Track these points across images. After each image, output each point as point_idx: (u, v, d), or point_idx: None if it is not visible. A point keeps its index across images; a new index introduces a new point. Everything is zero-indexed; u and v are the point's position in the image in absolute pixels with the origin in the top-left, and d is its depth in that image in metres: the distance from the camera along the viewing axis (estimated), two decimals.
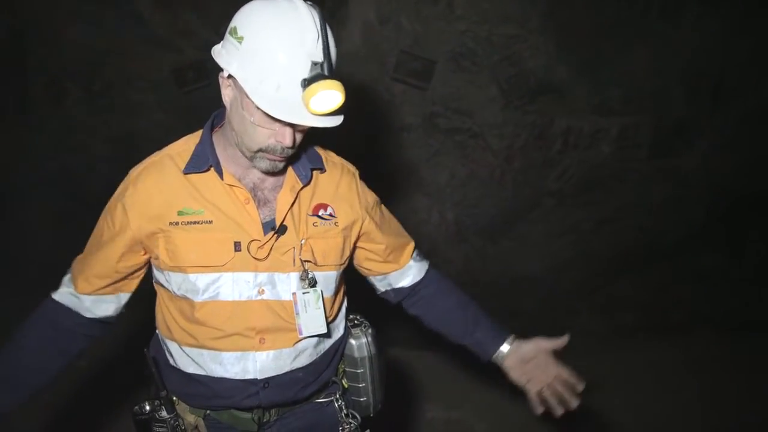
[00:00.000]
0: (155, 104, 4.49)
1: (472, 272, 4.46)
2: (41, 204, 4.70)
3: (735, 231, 4.53)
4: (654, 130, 4.33)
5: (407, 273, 1.59)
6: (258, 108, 1.20)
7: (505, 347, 1.52)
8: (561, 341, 1.49)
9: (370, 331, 1.51)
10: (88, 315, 1.38)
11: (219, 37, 1.35)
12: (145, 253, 1.38)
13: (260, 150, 1.28)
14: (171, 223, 1.31)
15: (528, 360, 1.48)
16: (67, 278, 1.40)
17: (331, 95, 1.16)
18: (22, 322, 1.37)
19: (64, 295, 1.38)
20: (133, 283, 1.44)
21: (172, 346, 1.39)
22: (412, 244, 1.61)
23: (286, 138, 1.25)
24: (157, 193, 1.33)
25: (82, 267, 1.39)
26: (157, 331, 1.46)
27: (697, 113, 4.23)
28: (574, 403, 1.43)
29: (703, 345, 4.11)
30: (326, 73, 1.15)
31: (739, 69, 4.08)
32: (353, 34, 4.06)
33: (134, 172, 1.39)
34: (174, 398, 1.38)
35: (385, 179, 4.23)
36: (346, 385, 1.51)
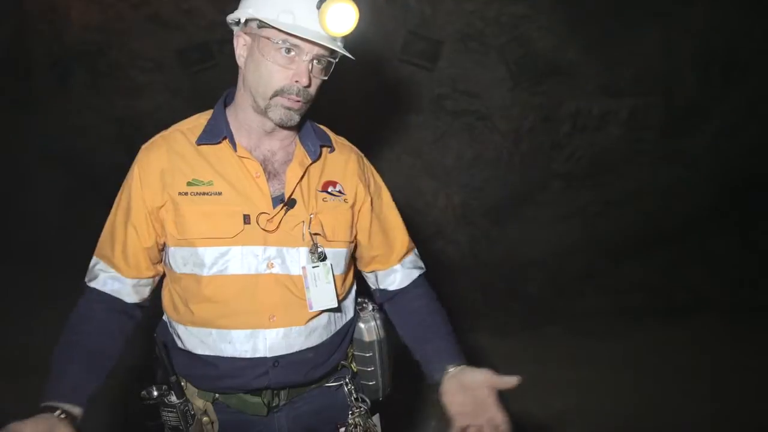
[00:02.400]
0: (160, 85, 4.45)
1: (478, 254, 4.46)
2: (47, 184, 4.70)
3: (743, 214, 4.51)
4: (664, 112, 4.28)
5: (391, 275, 1.54)
6: (276, 47, 1.25)
7: (450, 369, 1.34)
8: (509, 381, 1.24)
9: (378, 315, 1.50)
10: (128, 300, 1.36)
11: (224, 18, 1.36)
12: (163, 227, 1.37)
13: (276, 94, 1.28)
14: (180, 193, 1.30)
15: (466, 389, 1.28)
16: (100, 266, 1.36)
17: (344, 10, 1.22)
18: (69, 319, 1.34)
19: (105, 282, 1.35)
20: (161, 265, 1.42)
21: (179, 328, 1.37)
22: (405, 248, 1.54)
23: (303, 76, 1.27)
24: (167, 163, 1.32)
25: (118, 251, 1.35)
26: (164, 315, 1.45)
27: (707, 95, 4.18)
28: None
29: (709, 327, 4.10)
30: None
31: (750, 50, 4.02)
32: (361, 15, 4.01)
33: (144, 145, 1.38)
34: (183, 382, 1.38)
35: (391, 161, 4.21)
36: (355, 370, 1.50)
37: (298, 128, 1.40)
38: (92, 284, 1.36)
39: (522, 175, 4.38)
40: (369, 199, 1.47)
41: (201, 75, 4.35)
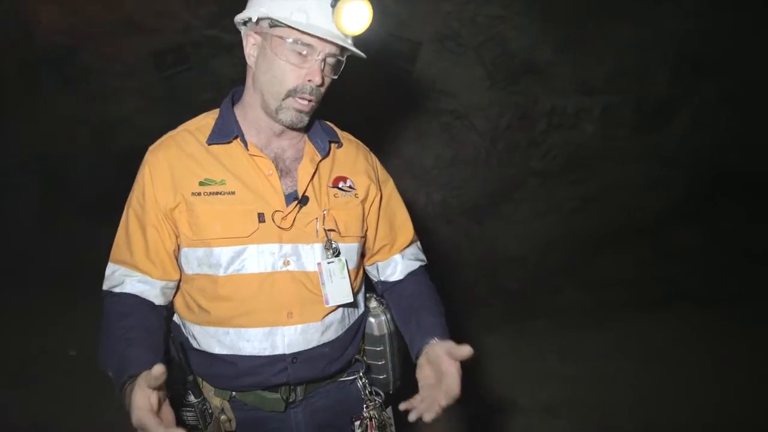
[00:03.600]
0: (134, 90, 4.37)
1: (459, 252, 4.50)
2: (23, 189, 4.56)
3: (715, 207, 4.65)
4: (636, 109, 4.39)
5: (390, 266, 1.55)
6: (289, 46, 1.25)
7: (426, 346, 1.34)
8: (464, 350, 1.22)
9: (388, 308, 1.51)
10: (156, 302, 1.33)
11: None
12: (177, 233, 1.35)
13: (289, 94, 1.29)
14: (193, 194, 1.29)
15: (432, 362, 1.29)
16: (122, 271, 1.33)
17: (358, 8, 1.22)
18: (102, 326, 1.30)
19: (133, 285, 1.32)
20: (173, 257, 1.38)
21: (194, 329, 1.36)
22: (408, 240, 1.56)
23: (316, 74, 1.27)
24: (177, 163, 1.31)
25: (140, 254, 1.33)
26: (176, 317, 1.44)
27: (678, 92, 4.31)
28: (428, 416, 1.21)
29: (684, 317, 4.22)
30: None
31: (719, 48, 4.16)
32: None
33: (152, 146, 1.37)
34: (200, 381, 1.36)
35: None
36: (367, 363, 1.51)
37: (306, 125, 1.40)
38: (117, 289, 1.32)
39: (500, 173, 4.45)
40: (378, 193, 1.49)
41: (175, 79, 4.29)
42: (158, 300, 1.34)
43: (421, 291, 1.52)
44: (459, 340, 1.30)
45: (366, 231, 1.48)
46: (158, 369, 1.02)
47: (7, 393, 3.27)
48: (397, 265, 1.54)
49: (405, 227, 1.56)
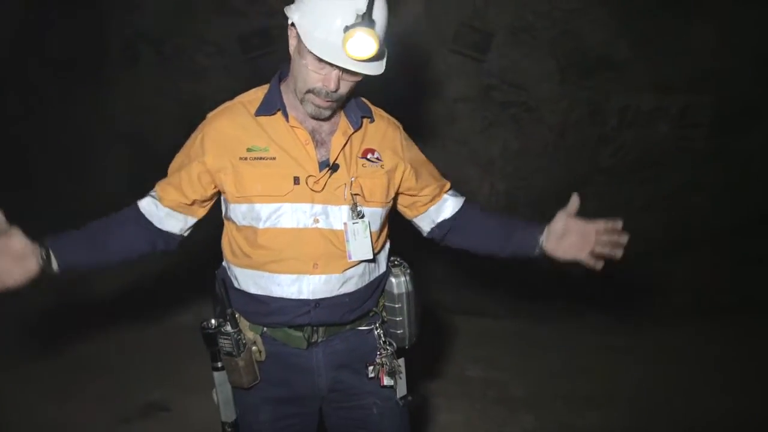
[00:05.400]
0: (221, 68, 4.69)
1: None
2: (116, 162, 5.00)
3: None
4: (716, 110, 4.24)
5: (444, 206, 1.73)
6: (309, 52, 1.38)
7: (542, 236, 1.59)
8: (574, 202, 1.56)
9: (408, 271, 1.66)
10: (158, 225, 1.57)
11: (284, 5, 1.51)
12: (214, 188, 1.57)
13: (309, 92, 1.45)
14: (240, 158, 1.49)
15: (562, 235, 1.55)
16: (152, 192, 1.59)
17: (364, 40, 1.31)
18: (109, 215, 1.58)
19: (147, 203, 1.57)
20: (200, 212, 1.62)
21: (237, 270, 1.57)
22: (447, 184, 1.75)
23: (331, 82, 1.41)
24: (230, 131, 1.51)
25: (165, 185, 1.57)
26: (223, 260, 1.66)
27: (761, 93, 4.12)
28: (624, 239, 1.52)
29: (747, 328, 4.03)
30: (365, 22, 1.30)
31: None
32: (415, 6, 4.13)
33: (211, 114, 1.59)
34: (237, 316, 1.59)
35: (437, 148, 4.32)
36: (385, 318, 1.68)
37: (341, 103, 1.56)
38: (139, 202, 1.59)
39: (567, 167, 4.42)
40: (409, 164, 1.65)
41: (259, 60, 4.57)
42: (160, 224, 1.59)
43: (488, 211, 1.77)
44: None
45: (399, 193, 1.66)
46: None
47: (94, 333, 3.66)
48: (449, 201, 1.74)
49: (440, 178, 1.76)
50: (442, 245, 1.80)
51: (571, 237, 1.56)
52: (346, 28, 1.31)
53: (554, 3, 4.08)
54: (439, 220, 1.74)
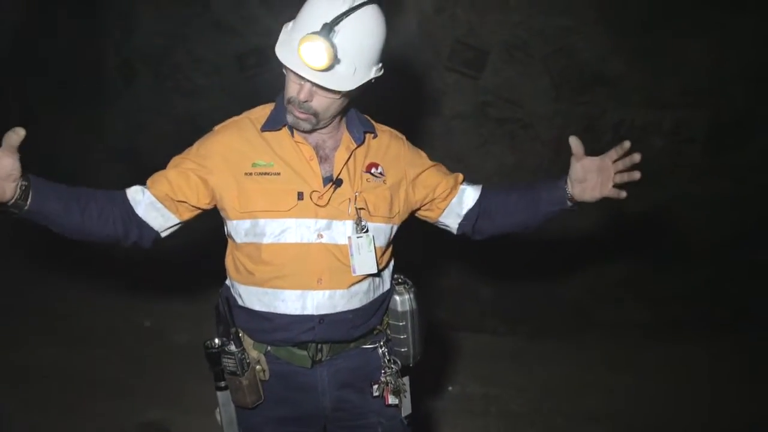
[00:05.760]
0: (218, 88, 4.72)
1: (516, 258, 4.53)
2: (110, 179, 5.00)
3: None
4: (710, 124, 4.28)
5: (465, 196, 1.73)
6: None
7: (567, 186, 1.61)
8: (575, 145, 1.60)
9: (413, 289, 1.66)
10: (139, 213, 1.50)
11: (280, 25, 1.53)
12: (208, 202, 1.55)
13: (288, 102, 1.47)
14: (246, 174, 1.50)
15: (583, 179, 1.57)
16: (144, 184, 1.55)
17: (314, 48, 1.31)
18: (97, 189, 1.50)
19: (134, 190, 1.52)
20: (185, 214, 1.56)
21: (240, 288, 1.57)
22: (461, 175, 1.76)
23: (300, 91, 1.42)
24: (237, 145, 1.53)
25: (158, 176, 1.54)
26: (227, 279, 1.66)
27: (755, 107, 4.16)
28: (636, 157, 1.57)
29: (743, 343, 4.03)
30: (322, 31, 1.31)
31: None
32: (409, 23, 4.18)
33: (219, 126, 1.60)
34: (241, 334, 1.58)
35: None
36: (389, 336, 1.67)
37: (344, 118, 1.60)
38: (126, 188, 1.53)
39: None
40: (409, 175, 1.67)
41: (255, 79, 4.60)
42: (139, 209, 1.51)
43: (509, 184, 1.79)
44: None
45: (395, 215, 1.64)
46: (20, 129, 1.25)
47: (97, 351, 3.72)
48: (467, 190, 1.74)
49: (450, 173, 1.77)
50: (475, 240, 1.80)
51: (592, 177, 1.57)
52: (306, 35, 1.33)
53: (548, 20, 4.13)
54: (464, 211, 1.73)
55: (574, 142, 1.58)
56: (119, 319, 4.15)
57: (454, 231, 1.79)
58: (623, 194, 1.57)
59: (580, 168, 1.57)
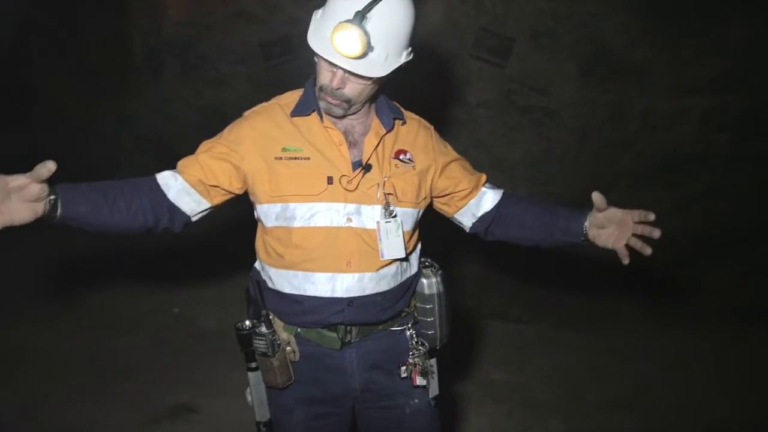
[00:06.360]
0: (243, 77, 4.75)
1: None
2: (139, 167, 5.08)
3: None
4: (741, 112, 4.20)
5: (484, 199, 1.74)
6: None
7: (586, 224, 1.61)
8: (597, 200, 1.54)
9: (440, 272, 1.68)
10: (171, 198, 1.50)
11: (305, 13, 1.55)
12: (240, 186, 1.55)
13: (321, 89, 1.49)
14: (276, 158, 1.52)
15: (601, 226, 1.57)
16: (174, 169, 1.55)
17: (348, 37, 1.33)
18: (123, 179, 1.49)
19: (165, 175, 1.52)
20: (216, 199, 1.57)
21: (271, 271, 1.59)
22: (484, 177, 1.77)
23: (334, 79, 1.45)
24: (267, 130, 1.54)
25: (191, 160, 1.54)
26: (257, 261, 1.69)
27: None
28: (656, 233, 1.53)
29: None
30: (354, 19, 1.33)
31: None
32: (434, 11, 4.16)
33: (249, 112, 1.61)
34: (271, 317, 1.60)
35: (459, 153, 4.33)
36: (417, 318, 1.69)
37: (374, 104, 1.61)
38: (157, 174, 1.54)
39: (589, 171, 4.40)
40: (441, 163, 1.68)
41: (280, 68, 4.62)
42: (171, 193, 1.51)
43: (531, 200, 1.78)
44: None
45: (422, 200, 1.66)
46: (51, 164, 1.24)
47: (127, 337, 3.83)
48: (488, 193, 1.75)
49: (475, 172, 1.77)
50: (486, 240, 1.81)
51: (611, 228, 1.57)
52: (338, 24, 1.34)
53: (575, 7, 4.07)
54: (480, 213, 1.74)
55: (597, 197, 1.54)
56: (148, 307, 4.24)
57: (467, 229, 1.81)
58: (626, 260, 1.56)
59: (602, 217, 1.57)
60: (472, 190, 1.73)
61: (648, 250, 1.53)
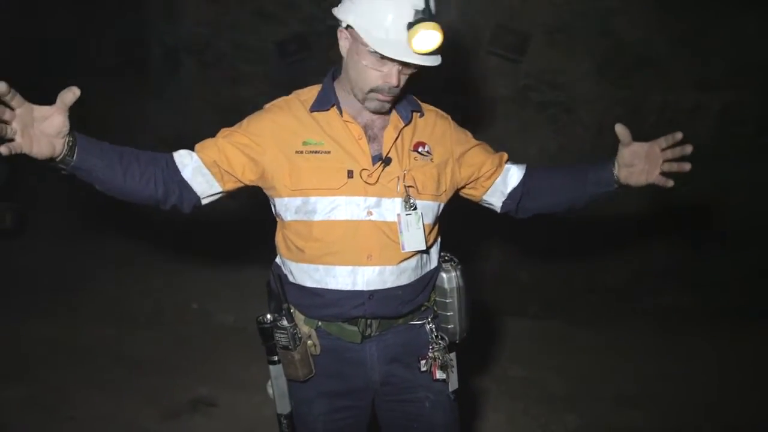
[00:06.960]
0: (260, 74, 4.79)
1: (558, 244, 4.50)
2: None
3: None
4: (761, 107, 4.16)
5: (509, 175, 1.74)
6: (370, 52, 1.42)
7: (615, 169, 1.61)
8: (622, 133, 1.56)
9: (459, 267, 1.69)
10: (184, 175, 1.51)
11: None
12: (252, 178, 1.57)
13: (371, 90, 1.48)
14: (297, 152, 1.53)
15: (630, 164, 1.57)
16: (191, 149, 1.55)
17: (430, 35, 1.36)
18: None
19: (181, 153, 1.53)
20: (228, 184, 1.58)
21: (292, 265, 1.61)
22: (505, 155, 1.77)
23: (393, 78, 1.45)
24: (287, 123, 1.56)
25: (209, 142, 1.56)
26: (277, 257, 1.71)
27: None
28: (688, 149, 1.54)
29: None
30: (427, 17, 1.36)
31: None
32: (451, 8, 4.17)
33: (269, 104, 1.62)
34: (292, 310, 1.62)
35: None
36: (436, 312, 1.70)
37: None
38: (174, 152, 1.54)
39: None
40: (459, 151, 1.69)
41: (297, 65, 4.66)
42: (184, 171, 1.52)
43: (547, 168, 1.79)
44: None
45: (442, 193, 1.66)
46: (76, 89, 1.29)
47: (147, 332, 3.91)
48: (512, 169, 1.75)
49: (495, 152, 1.78)
50: (519, 218, 1.82)
51: (639, 163, 1.57)
52: (410, 25, 1.36)
53: (590, 2, 4.07)
54: (509, 190, 1.74)
55: (620, 129, 1.55)
56: (167, 302, 4.30)
57: (498, 209, 1.80)
58: (670, 183, 1.56)
59: (628, 153, 1.56)
60: (497, 168, 1.73)
61: (687, 166, 1.54)
